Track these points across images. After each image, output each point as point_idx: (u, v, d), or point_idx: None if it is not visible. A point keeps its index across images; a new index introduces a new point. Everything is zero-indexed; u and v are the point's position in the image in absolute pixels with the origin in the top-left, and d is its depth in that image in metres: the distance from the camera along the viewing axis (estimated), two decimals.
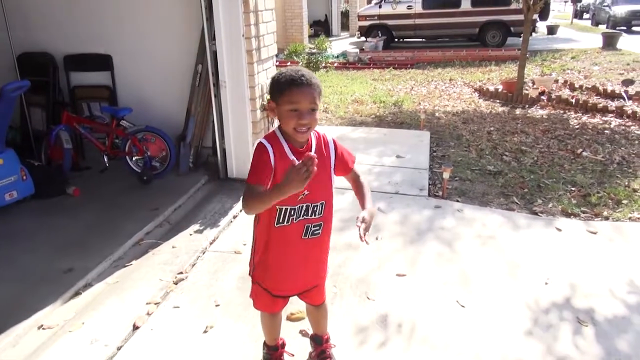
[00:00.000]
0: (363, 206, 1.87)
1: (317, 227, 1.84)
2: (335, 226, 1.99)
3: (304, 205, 1.79)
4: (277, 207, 1.75)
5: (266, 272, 1.91)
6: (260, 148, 1.73)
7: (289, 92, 1.66)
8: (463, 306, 2.62)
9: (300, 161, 1.44)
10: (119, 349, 2.35)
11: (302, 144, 1.76)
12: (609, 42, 12.70)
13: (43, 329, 2.48)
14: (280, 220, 1.78)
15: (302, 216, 1.80)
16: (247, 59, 4.00)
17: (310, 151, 1.78)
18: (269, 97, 1.76)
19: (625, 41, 13.40)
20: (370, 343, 2.36)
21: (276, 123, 5.01)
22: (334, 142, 1.89)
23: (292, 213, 1.78)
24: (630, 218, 3.64)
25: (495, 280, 2.84)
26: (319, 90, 1.70)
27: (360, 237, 1.70)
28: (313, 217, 1.82)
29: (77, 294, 2.79)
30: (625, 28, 17.16)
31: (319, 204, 1.82)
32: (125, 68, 4.72)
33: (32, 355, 2.30)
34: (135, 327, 2.48)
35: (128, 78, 4.74)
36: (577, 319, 2.51)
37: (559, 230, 3.43)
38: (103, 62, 4.71)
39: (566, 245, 3.24)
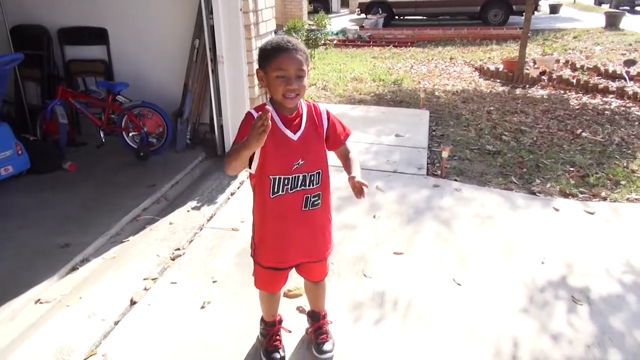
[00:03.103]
0: (350, 172, 1.78)
1: (317, 198, 1.83)
2: (333, 204, 1.98)
3: (300, 175, 1.77)
4: (270, 176, 1.74)
5: (266, 249, 1.90)
6: (247, 117, 1.74)
7: (276, 58, 1.66)
8: (459, 284, 2.63)
9: (257, 115, 1.50)
10: (116, 323, 2.36)
11: (291, 110, 1.76)
12: (612, 22, 12.56)
13: (40, 303, 2.49)
14: (275, 190, 1.76)
15: (300, 186, 1.78)
16: (245, 34, 3.93)
17: (301, 118, 1.78)
18: (257, 66, 1.76)
19: (629, 21, 13.25)
20: (366, 320, 2.37)
21: None
22: (327, 112, 1.86)
23: (287, 182, 1.76)
24: (627, 199, 3.64)
25: (492, 260, 2.85)
26: (306, 55, 1.70)
27: (362, 191, 1.67)
28: (311, 187, 1.80)
29: (74, 269, 2.79)
30: (628, 8, 16.96)
31: (315, 172, 1.79)
32: (121, 42, 4.64)
33: (30, 329, 2.30)
34: (133, 302, 2.49)
35: (124, 52, 4.66)
36: (572, 297, 2.52)
37: (557, 210, 3.43)
38: (98, 36, 4.63)
39: (563, 225, 3.24)
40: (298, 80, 1.67)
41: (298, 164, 1.75)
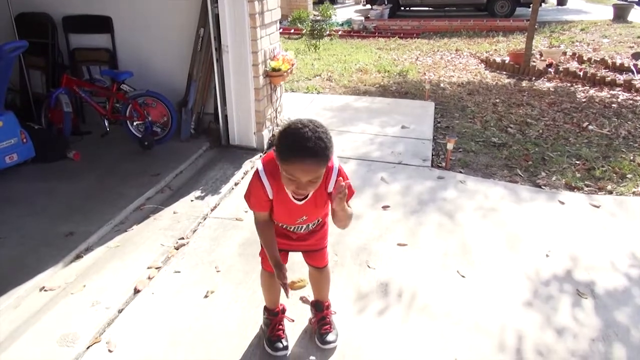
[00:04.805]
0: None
1: (316, 223, 1.94)
2: None
3: (303, 225, 1.89)
4: (277, 222, 1.88)
5: None
6: (258, 183, 1.73)
7: (288, 162, 1.51)
8: (463, 276, 2.62)
9: (280, 276, 1.75)
10: (120, 311, 2.37)
11: None
12: (620, 14, 12.42)
13: (45, 290, 2.50)
14: (281, 226, 1.92)
15: (303, 230, 1.93)
16: (250, 23, 3.90)
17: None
18: (274, 146, 1.58)
19: (637, 13, 13.10)
20: (370, 310, 2.37)
21: (278, 92, 4.91)
22: (339, 172, 1.75)
23: (290, 229, 1.91)
24: (634, 192, 3.62)
25: (496, 252, 2.84)
26: (326, 157, 1.52)
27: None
28: (312, 227, 1.94)
29: (78, 257, 2.79)
30: (637, 0, 16.74)
31: (316, 220, 1.92)
32: (126, 30, 4.61)
33: (34, 317, 2.31)
34: (137, 291, 2.50)
35: (129, 41, 4.63)
36: (577, 291, 2.51)
37: (562, 203, 3.41)
38: (103, 24, 4.60)
39: (569, 218, 3.23)
40: (311, 184, 1.57)
41: (302, 219, 1.84)
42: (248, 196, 1.80)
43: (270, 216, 1.86)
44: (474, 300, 2.45)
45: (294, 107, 5.33)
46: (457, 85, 6.81)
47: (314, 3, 16.33)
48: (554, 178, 3.86)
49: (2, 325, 2.25)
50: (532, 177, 3.90)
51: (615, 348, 2.15)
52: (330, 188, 1.75)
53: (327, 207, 1.90)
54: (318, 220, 1.93)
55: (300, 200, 1.75)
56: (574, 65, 7.54)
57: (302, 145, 1.46)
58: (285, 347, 2.11)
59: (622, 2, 14.13)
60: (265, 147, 4.27)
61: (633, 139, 4.67)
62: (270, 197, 1.75)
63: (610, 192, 3.64)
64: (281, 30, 6.00)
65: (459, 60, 8.63)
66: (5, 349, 2.12)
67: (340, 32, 11.56)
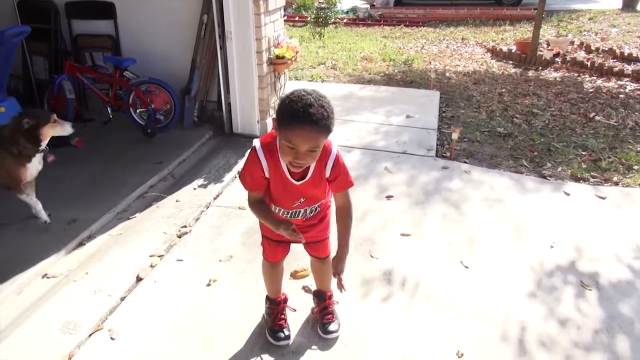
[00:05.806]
0: (339, 250, 1.85)
1: (314, 210, 1.89)
2: None
3: (301, 210, 1.84)
4: (274, 206, 1.83)
5: (267, 228, 1.93)
6: (254, 160, 1.70)
7: (289, 128, 1.48)
8: (467, 267, 2.60)
9: (292, 230, 1.65)
10: (122, 299, 2.37)
11: None
12: (629, 3, 12.24)
13: (47, 278, 2.50)
14: (277, 212, 1.85)
15: (300, 216, 1.88)
16: (254, 9, 3.85)
17: (308, 168, 1.71)
18: (275, 116, 1.58)
19: None
20: (373, 300, 2.36)
21: (282, 79, 4.86)
22: (337, 155, 1.73)
23: (287, 214, 1.85)
24: None
25: (500, 243, 2.82)
26: (327, 126, 1.50)
27: (340, 288, 1.82)
28: (311, 214, 1.89)
29: (80, 244, 2.79)
30: None
31: (315, 205, 1.86)
32: (129, 17, 4.57)
33: (36, 304, 2.31)
34: (139, 279, 2.50)
35: (132, 27, 4.59)
36: (581, 282, 2.50)
37: (568, 194, 3.38)
38: (106, 10, 4.56)
39: (574, 209, 3.20)
40: (309, 154, 1.54)
41: (299, 201, 1.80)
42: (244, 175, 1.77)
43: (266, 200, 1.83)
44: (477, 290, 2.43)
45: None
46: (462, 74, 6.75)
47: None
48: (559, 169, 3.82)
49: (5, 312, 2.26)
50: (538, 167, 3.86)
51: (619, 340, 2.14)
52: (328, 172, 1.73)
53: (326, 193, 1.87)
54: (316, 209, 1.87)
55: (297, 179, 1.73)
56: (581, 55, 7.45)
57: (305, 111, 1.45)
58: (287, 337, 2.10)
59: None
60: None
61: None
62: (267, 175, 1.72)
63: (617, 184, 3.60)
64: (285, 17, 5.95)
65: (465, 49, 8.55)
66: (7, 336, 2.12)
67: (345, 20, 11.46)
